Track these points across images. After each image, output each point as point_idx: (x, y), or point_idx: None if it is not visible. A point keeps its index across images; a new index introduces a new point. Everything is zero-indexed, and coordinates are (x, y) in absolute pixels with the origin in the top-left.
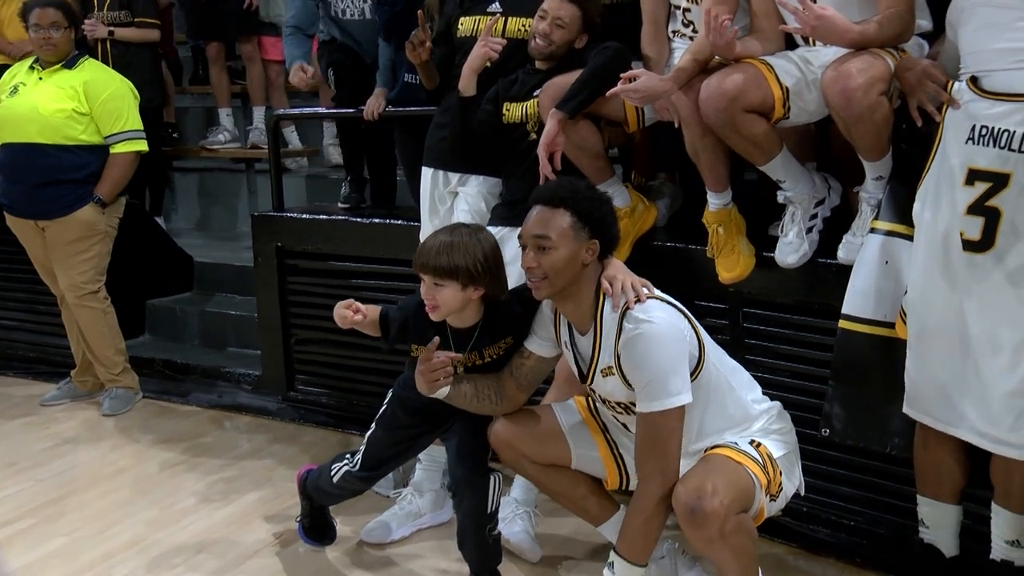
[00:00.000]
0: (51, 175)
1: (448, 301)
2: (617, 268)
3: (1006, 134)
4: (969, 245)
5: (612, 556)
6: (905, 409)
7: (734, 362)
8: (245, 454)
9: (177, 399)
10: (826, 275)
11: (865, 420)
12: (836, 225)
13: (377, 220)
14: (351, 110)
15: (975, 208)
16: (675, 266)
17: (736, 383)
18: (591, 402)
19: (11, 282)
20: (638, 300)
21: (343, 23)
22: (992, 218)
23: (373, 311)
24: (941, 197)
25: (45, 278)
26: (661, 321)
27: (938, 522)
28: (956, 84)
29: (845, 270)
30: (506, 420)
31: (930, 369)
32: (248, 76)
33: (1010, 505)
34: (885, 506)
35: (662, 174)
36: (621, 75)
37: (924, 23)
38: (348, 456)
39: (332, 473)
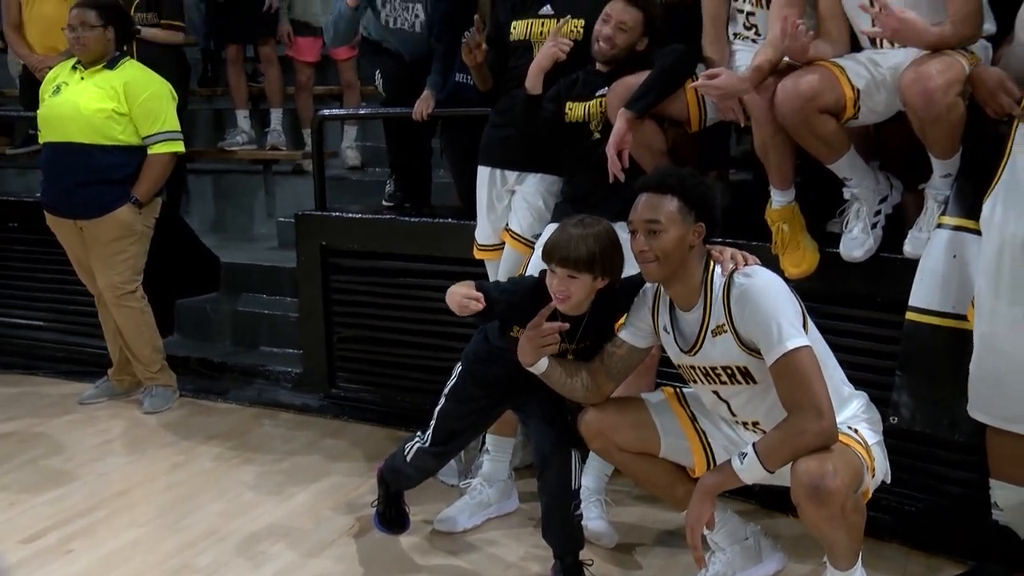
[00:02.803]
0: (90, 175)
1: (579, 292)
2: (724, 247)
3: None
4: None
5: (748, 448)
6: (969, 410)
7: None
8: (296, 449)
9: (215, 397)
10: (890, 269)
11: (933, 408)
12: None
13: (423, 219)
14: (400, 110)
15: None
16: None
17: (830, 359)
18: (679, 392)
19: (40, 283)
20: (746, 264)
21: (392, 31)
22: None
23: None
24: (1010, 207)
25: (83, 277)
26: (769, 275)
27: (1012, 504)
28: None
29: (908, 264)
30: (597, 410)
31: (994, 371)
32: (266, 79)
33: None
34: (946, 491)
35: (712, 172)
36: (704, 72)
37: (989, 26)
38: (419, 434)
39: (405, 453)
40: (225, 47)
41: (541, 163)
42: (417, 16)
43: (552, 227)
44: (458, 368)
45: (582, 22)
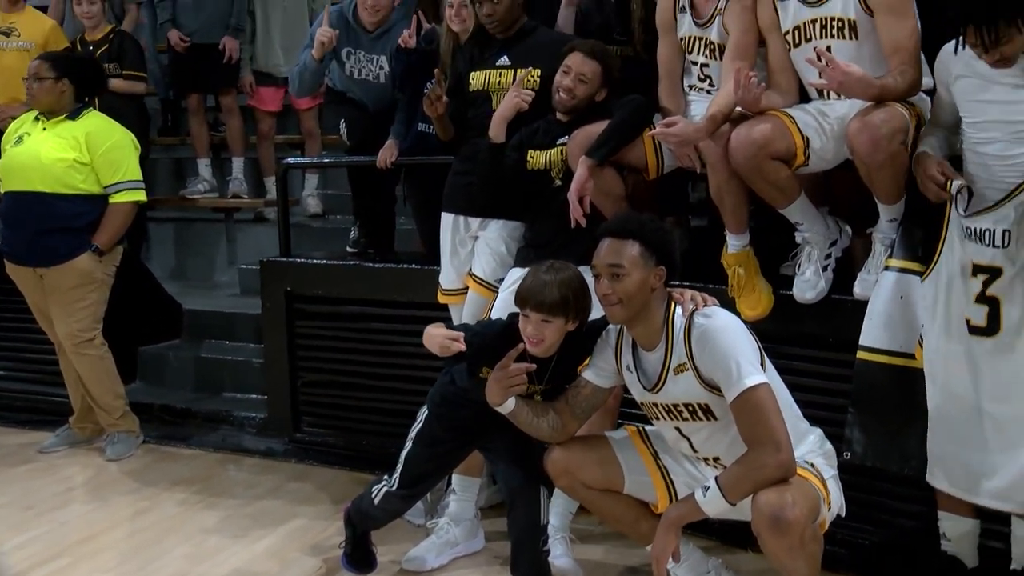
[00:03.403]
0: (51, 223)
1: (552, 336)
2: (684, 289)
3: (988, 232)
4: (976, 330)
5: (711, 482)
6: (928, 479)
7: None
8: (261, 493)
9: (179, 443)
10: (842, 310)
11: (884, 443)
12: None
13: (387, 265)
14: (364, 158)
15: (980, 298)
16: None
17: (787, 396)
18: (642, 429)
19: None
20: (705, 305)
21: (357, 82)
22: (994, 306)
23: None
24: (952, 286)
25: (43, 325)
26: (727, 316)
27: (959, 535)
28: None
29: (858, 305)
30: (563, 448)
31: (949, 444)
32: (228, 128)
33: None
34: (898, 524)
35: (670, 218)
36: (662, 121)
37: (927, 80)
38: (386, 477)
39: (373, 496)
40: (186, 97)
41: (503, 210)
42: (381, 68)
43: (515, 271)
44: (424, 412)
45: (539, 72)
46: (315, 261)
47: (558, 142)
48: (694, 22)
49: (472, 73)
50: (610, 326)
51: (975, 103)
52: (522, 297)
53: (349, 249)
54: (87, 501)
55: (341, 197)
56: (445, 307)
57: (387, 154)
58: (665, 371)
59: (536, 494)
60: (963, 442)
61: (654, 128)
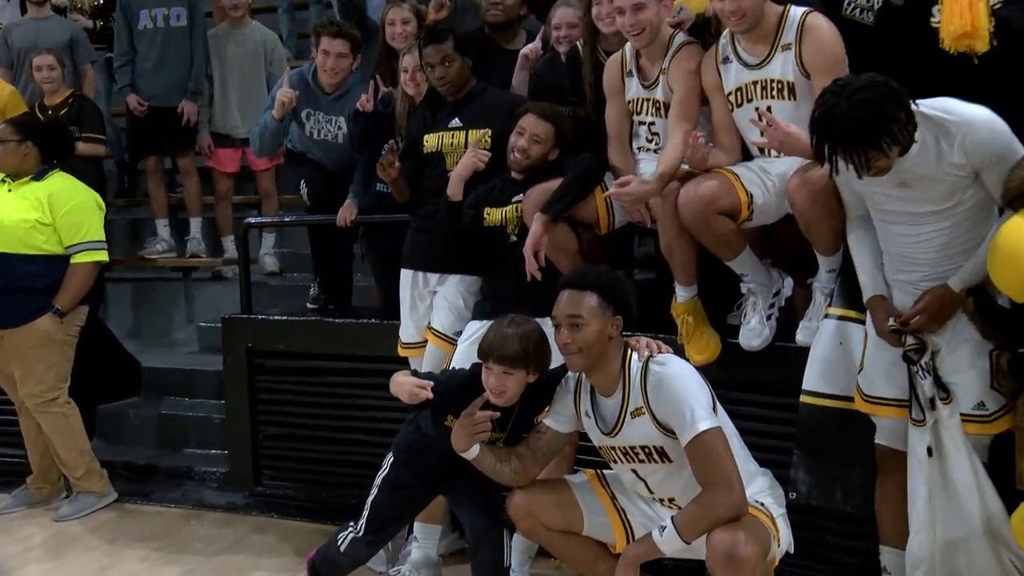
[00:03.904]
0: (13, 284)
1: (514, 387)
2: (639, 337)
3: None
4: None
5: (667, 521)
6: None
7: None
8: (224, 547)
9: (140, 500)
10: (786, 356)
11: (827, 483)
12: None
13: (347, 320)
14: (324, 217)
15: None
16: None
17: (737, 439)
18: (600, 473)
19: None
20: (659, 352)
21: (316, 143)
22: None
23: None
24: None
25: (4, 386)
26: (681, 363)
27: (897, 566)
28: None
29: (801, 352)
30: (524, 491)
31: None
32: (186, 189)
33: None
34: (841, 560)
35: (620, 271)
36: (616, 181)
37: None
38: (352, 524)
39: (339, 543)
40: (144, 159)
41: (461, 265)
42: (340, 128)
43: (473, 324)
44: (390, 458)
45: (490, 132)
46: (276, 317)
47: (513, 200)
48: (641, 84)
49: (426, 135)
50: (569, 373)
51: (871, 195)
52: (484, 350)
53: (309, 305)
54: (46, 560)
55: (297, 255)
56: (403, 360)
57: (346, 213)
58: (622, 415)
59: (500, 538)
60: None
61: (605, 186)
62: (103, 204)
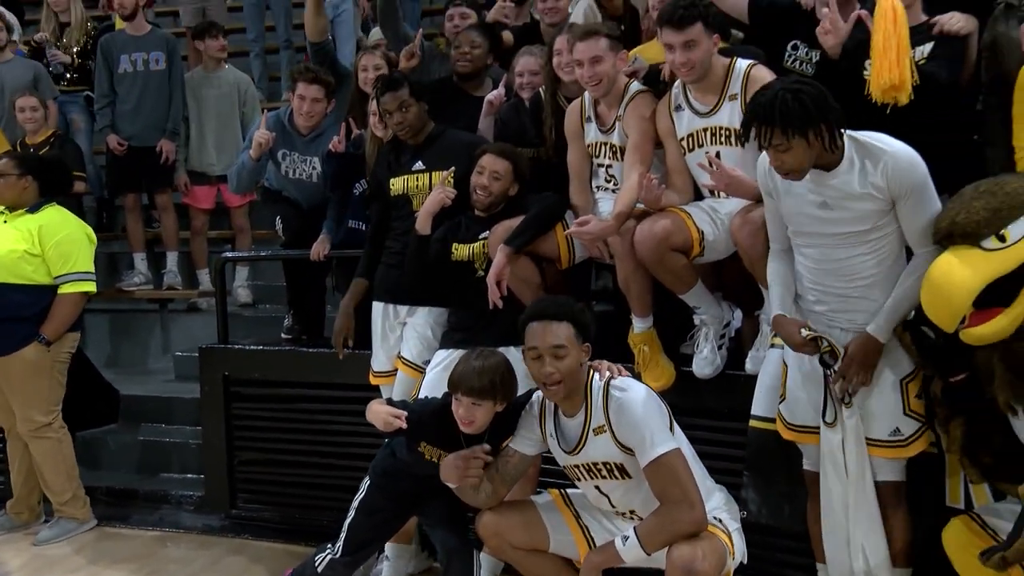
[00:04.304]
0: (1, 312)
1: (482, 418)
2: (601, 360)
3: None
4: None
5: (630, 532)
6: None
7: None
8: (199, 569)
9: (119, 524)
10: (736, 384)
11: (775, 502)
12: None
13: (320, 349)
14: (298, 252)
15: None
16: None
17: (693, 458)
18: (564, 492)
19: None
20: (620, 374)
21: (292, 181)
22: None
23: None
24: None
25: None
26: (640, 388)
27: None
28: None
29: (750, 379)
30: (492, 512)
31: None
32: (163, 224)
33: None
34: None
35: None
36: (576, 220)
37: None
38: (330, 546)
39: (316, 564)
40: (122, 196)
41: (429, 298)
42: (314, 168)
43: (441, 353)
44: (366, 482)
45: (452, 172)
46: (253, 347)
47: (480, 237)
48: (599, 129)
49: (391, 179)
50: (533, 398)
51: (796, 217)
52: (454, 382)
53: (284, 335)
54: None
55: (269, 288)
56: (373, 388)
57: (320, 248)
58: (585, 433)
59: (470, 556)
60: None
61: (566, 223)
62: (94, 238)
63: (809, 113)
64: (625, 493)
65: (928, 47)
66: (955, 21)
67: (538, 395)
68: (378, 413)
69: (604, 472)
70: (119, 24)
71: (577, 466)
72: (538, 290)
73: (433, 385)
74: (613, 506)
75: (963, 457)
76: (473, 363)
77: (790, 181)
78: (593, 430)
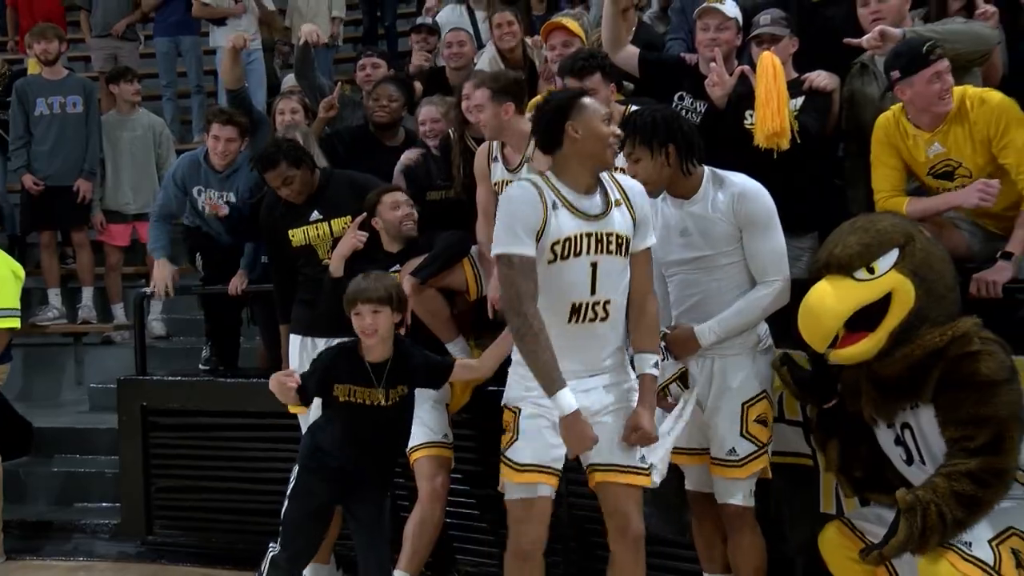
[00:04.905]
0: None
1: (384, 324)
2: None
3: None
4: None
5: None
6: None
7: None
8: None
9: (32, 556)
10: None
11: (669, 516)
12: None
13: (238, 379)
14: (215, 287)
15: None
16: None
17: None
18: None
19: None
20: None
21: (206, 217)
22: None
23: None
24: None
25: None
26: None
27: None
28: None
29: None
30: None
31: None
32: (78, 261)
33: None
34: None
35: (487, 333)
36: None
37: None
38: (272, 544)
39: (261, 569)
40: (37, 233)
41: (344, 331)
42: (229, 201)
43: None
44: (295, 470)
45: (349, 217)
46: (171, 378)
47: (390, 270)
48: (505, 169)
49: (291, 232)
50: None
51: (663, 246)
52: (352, 298)
53: (201, 367)
54: None
55: (182, 320)
56: (289, 415)
57: (238, 282)
58: (609, 204)
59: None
60: None
61: (472, 258)
62: (22, 274)
63: (657, 129)
64: (613, 276)
65: (799, 101)
66: (822, 78)
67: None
68: (273, 382)
69: (612, 246)
70: (32, 68)
71: (590, 235)
72: (447, 321)
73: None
74: (594, 290)
75: (839, 474)
76: (366, 279)
77: (666, 215)
78: (614, 201)
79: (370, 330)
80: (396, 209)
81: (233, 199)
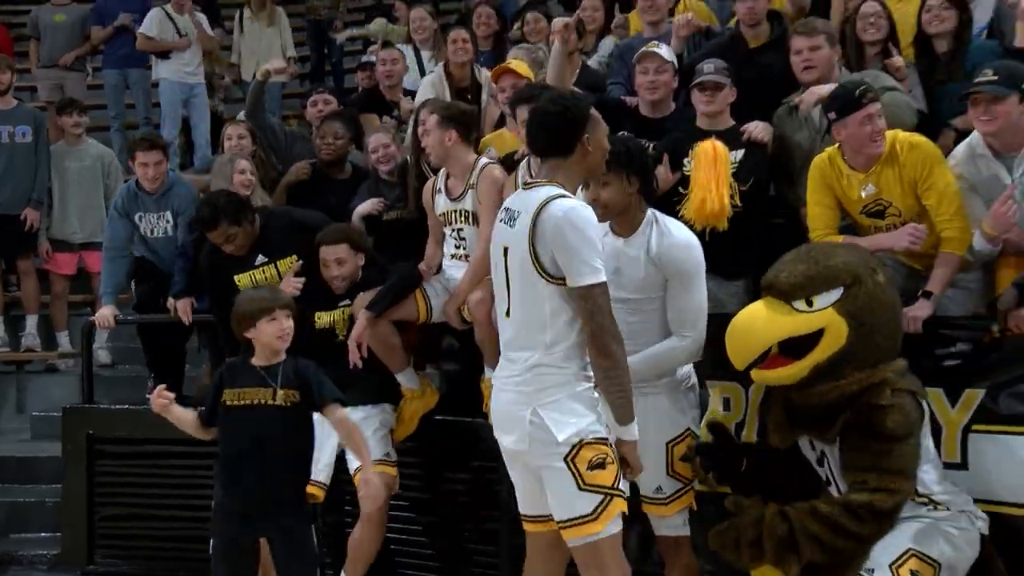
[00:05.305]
0: None
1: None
2: None
3: None
4: None
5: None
6: None
7: None
8: None
9: None
10: None
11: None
12: None
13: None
14: (161, 316)
15: None
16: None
17: None
18: None
19: None
20: None
21: (149, 241)
22: None
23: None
24: None
25: None
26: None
27: None
28: None
29: None
30: None
31: None
32: (23, 289)
33: None
34: None
35: (429, 365)
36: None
37: None
38: None
39: None
40: None
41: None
42: (168, 222)
43: None
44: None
45: (294, 257)
46: (117, 407)
47: (340, 304)
48: (448, 199)
49: (236, 276)
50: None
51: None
52: (267, 306)
53: (148, 396)
54: None
55: (128, 349)
56: None
57: (186, 309)
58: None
59: None
60: None
61: (423, 288)
62: None
63: (632, 158)
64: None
65: (740, 153)
66: (759, 131)
67: None
68: (154, 406)
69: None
70: None
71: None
72: (398, 350)
73: None
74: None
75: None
76: (262, 291)
77: (607, 249)
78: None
79: (286, 334)
80: (327, 267)
81: (170, 218)
